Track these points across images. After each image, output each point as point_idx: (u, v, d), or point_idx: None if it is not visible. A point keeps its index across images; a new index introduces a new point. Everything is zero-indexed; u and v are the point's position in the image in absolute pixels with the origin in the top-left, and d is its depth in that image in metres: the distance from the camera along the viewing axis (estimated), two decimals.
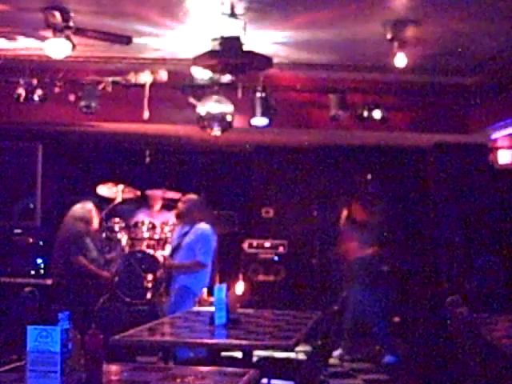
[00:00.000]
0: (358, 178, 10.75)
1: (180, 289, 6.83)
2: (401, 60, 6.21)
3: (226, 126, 7.41)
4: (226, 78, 7.19)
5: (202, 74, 7.17)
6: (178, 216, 7.41)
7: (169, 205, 9.55)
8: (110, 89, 7.63)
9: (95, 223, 7.73)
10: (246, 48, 5.70)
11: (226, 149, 10.75)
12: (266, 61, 5.93)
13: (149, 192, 9.71)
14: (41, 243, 8.92)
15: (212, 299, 5.26)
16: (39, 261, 8.73)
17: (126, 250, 8.91)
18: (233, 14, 5.64)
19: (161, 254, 9.04)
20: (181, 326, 4.94)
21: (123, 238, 8.98)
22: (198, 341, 4.49)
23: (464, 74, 7.81)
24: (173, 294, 6.92)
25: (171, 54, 7.24)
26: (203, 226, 6.98)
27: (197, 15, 5.94)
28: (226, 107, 7.35)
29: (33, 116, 8.10)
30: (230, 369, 3.42)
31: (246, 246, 9.89)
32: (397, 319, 9.21)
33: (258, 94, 7.65)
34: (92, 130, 8.87)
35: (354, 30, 6.37)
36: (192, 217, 7.03)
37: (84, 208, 7.76)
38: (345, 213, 8.71)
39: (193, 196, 7.38)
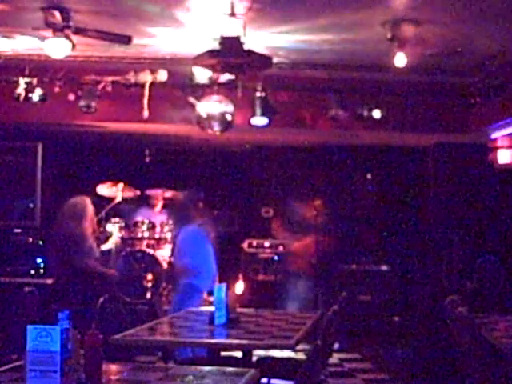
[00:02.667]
0: (358, 177, 10.76)
1: (184, 286, 6.84)
2: (400, 60, 6.21)
3: (226, 126, 7.41)
4: (226, 77, 7.19)
5: (201, 74, 7.18)
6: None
7: (169, 204, 9.56)
8: (109, 88, 7.64)
9: (93, 217, 7.42)
10: (245, 48, 5.70)
11: (226, 148, 10.75)
12: (265, 60, 5.93)
13: (149, 192, 9.71)
14: (41, 243, 8.91)
15: (212, 299, 5.26)
16: (39, 261, 8.73)
17: (119, 242, 8.92)
18: (233, 14, 5.64)
19: (160, 254, 9.05)
20: (181, 326, 4.94)
21: (118, 234, 8.98)
22: (198, 341, 4.48)
23: (464, 73, 7.80)
24: (178, 292, 6.94)
25: (171, 53, 7.24)
26: (188, 228, 7.04)
27: (197, 15, 5.93)
28: (226, 107, 7.35)
29: (33, 116, 8.10)
30: (229, 368, 3.42)
31: (245, 245, 9.89)
32: (397, 319, 9.22)
33: (258, 94, 7.66)
34: (92, 129, 8.87)
35: (353, 29, 6.37)
36: (179, 218, 7.07)
37: (79, 204, 7.13)
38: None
39: (179, 195, 7.42)
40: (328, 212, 9.37)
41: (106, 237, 8.87)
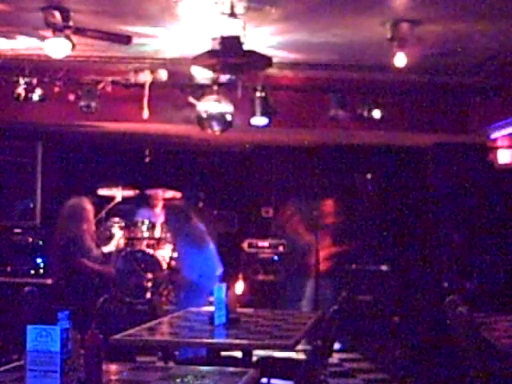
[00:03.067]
0: (358, 177, 10.77)
1: (189, 285, 6.85)
2: (400, 60, 6.21)
3: (226, 126, 7.41)
4: (226, 77, 7.19)
5: (201, 74, 7.18)
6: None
7: (167, 205, 9.55)
8: (109, 88, 7.64)
9: (91, 218, 7.45)
10: (245, 47, 5.70)
11: (226, 148, 10.75)
12: (265, 60, 5.92)
13: (149, 192, 9.70)
14: (41, 243, 8.91)
15: (211, 299, 5.26)
16: (39, 260, 8.73)
17: (122, 243, 8.91)
18: (232, 14, 5.64)
19: (160, 254, 9.05)
20: (181, 326, 4.94)
21: (120, 235, 8.96)
22: (198, 340, 4.48)
23: (464, 74, 7.80)
24: (183, 292, 6.96)
25: (171, 53, 7.24)
26: (188, 228, 7.03)
27: (196, 15, 5.93)
28: (226, 107, 7.35)
29: (32, 115, 8.10)
30: (229, 368, 3.42)
31: (245, 245, 9.88)
32: (396, 319, 9.21)
33: (258, 94, 7.65)
34: (92, 129, 8.87)
35: (353, 29, 6.37)
36: (178, 219, 7.07)
37: (78, 205, 7.19)
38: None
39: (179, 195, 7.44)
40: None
41: (108, 237, 8.85)
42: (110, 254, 8.57)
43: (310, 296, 8.59)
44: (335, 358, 7.75)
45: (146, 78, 7.55)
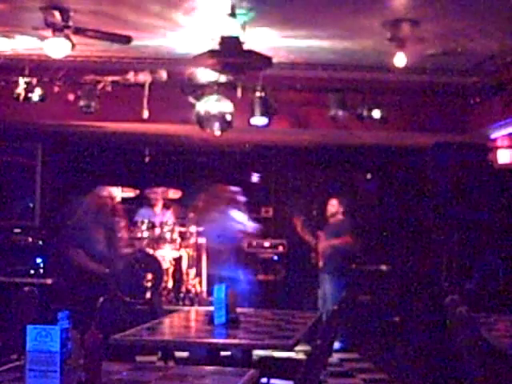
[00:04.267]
0: (358, 177, 10.77)
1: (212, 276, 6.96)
2: (400, 60, 6.22)
3: (226, 126, 7.41)
4: (226, 77, 7.20)
5: (201, 74, 7.18)
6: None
7: (169, 204, 9.55)
8: (109, 88, 7.64)
9: (123, 215, 7.45)
10: (245, 47, 5.70)
11: (226, 148, 10.75)
12: (265, 60, 5.92)
13: (149, 192, 9.68)
14: (40, 243, 8.91)
15: (211, 298, 5.26)
16: (39, 260, 8.73)
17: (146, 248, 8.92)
18: (233, 14, 5.64)
19: (160, 254, 9.04)
20: (180, 326, 4.94)
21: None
22: (198, 340, 4.49)
23: (464, 74, 7.81)
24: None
25: (171, 53, 7.24)
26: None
27: (197, 15, 5.94)
28: (226, 107, 7.35)
29: (32, 116, 8.10)
30: (229, 368, 3.42)
31: (245, 245, 9.88)
32: (396, 319, 9.21)
33: (258, 94, 7.66)
34: (91, 129, 8.87)
35: (353, 29, 6.37)
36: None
37: (98, 195, 7.26)
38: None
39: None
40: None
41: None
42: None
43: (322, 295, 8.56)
44: (335, 358, 7.75)
45: (145, 78, 7.55)
